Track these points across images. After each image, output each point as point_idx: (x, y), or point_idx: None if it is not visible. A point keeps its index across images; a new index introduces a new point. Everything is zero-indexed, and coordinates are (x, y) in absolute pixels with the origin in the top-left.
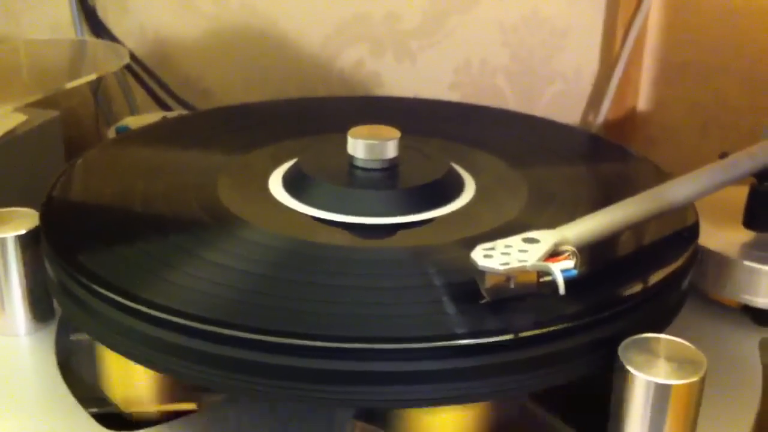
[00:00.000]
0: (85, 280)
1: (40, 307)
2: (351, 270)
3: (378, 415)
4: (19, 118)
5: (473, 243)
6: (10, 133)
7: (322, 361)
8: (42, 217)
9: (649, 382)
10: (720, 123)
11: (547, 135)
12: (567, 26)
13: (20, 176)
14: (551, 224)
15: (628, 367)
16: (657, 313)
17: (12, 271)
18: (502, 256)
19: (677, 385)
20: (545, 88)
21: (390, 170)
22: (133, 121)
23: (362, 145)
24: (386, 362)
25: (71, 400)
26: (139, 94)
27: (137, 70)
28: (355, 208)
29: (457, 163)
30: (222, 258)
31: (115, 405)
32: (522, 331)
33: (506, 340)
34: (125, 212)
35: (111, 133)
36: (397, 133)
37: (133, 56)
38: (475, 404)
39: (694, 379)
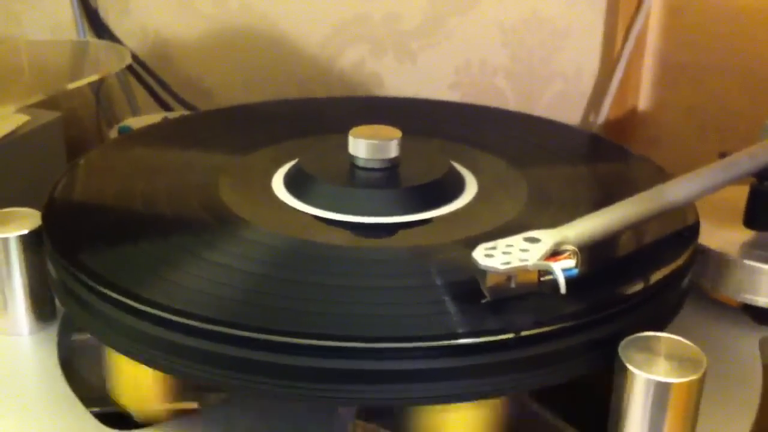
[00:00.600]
0: (87, 279)
1: (42, 307)
2: (352, 269)
3: (382, 414)
4: (21, 119)
5: (474, 242)
6: (12, 133)
7: (324, 360)
8: (44, 217)
9: (649, 381)
10: (719, 123)
11: (548, 135)
12: (567, 27)
13: (22, 176)
14: (552, 224)
15: (628, 366)
16: (657, 312)
17: (14, 270)
18: (503, 256)
19: (677, 384)
20: (545, 89)
21: (391, 170)
22: (135, 122)
23: (363, 145)
24: (387, 361)
25: (73, 399)
26: (141, 94)
27: (139, 70)
28: (356, 208)
29: (458, 162)
30: (223, 258)
31: (120, 406)
32: (523, 330)
33: (507, 339)
34: (127, 212)
35: (114, 134)
36: (398, 133)
37: (134, 57)
38: (482, 403)
39: (694, 377)
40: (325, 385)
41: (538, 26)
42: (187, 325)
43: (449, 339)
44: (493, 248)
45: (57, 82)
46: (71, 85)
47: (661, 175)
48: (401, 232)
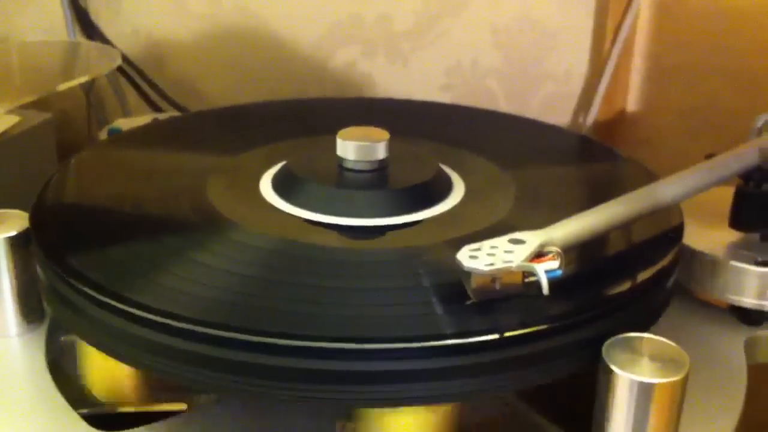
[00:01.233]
0: (74, 281)
1: (30, 309)
2: (340, 271)
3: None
4: (12, 120)
5: (461, 244)
6: (3, 134)
7: (310, 361)
8: (32, 219)
9: (632, 381)
10: (709, 124)
11: (536, 136)
12: (557, 28)
13: (13, 178)
14: (539, 225)
15: (612, 366)
16: (642, 312)
17: (2, 272)
18: (487, 257)
19: (660, 384)
20: (536, 90)
21: (379, 171)
22: (125, 123)
23: (351, 147)
24: (372, 362)
25: (61, 401)
26: (132, 96)
27: (130, 72)
28: (344, 210)
29: (447, 164)
30: (212, 260)
31: (98, 398)
32: (507, 331)
33: (492, 340)
34: (115, 214)
35: (103, 135)
36: (386, 135)
37: (125, 58)
38: (434, 408)
39: (677, 377)
40: (311, 386)
41: (529, 28)
42: (175, 327)
43: (433, 340)
44: (478, 249)
45: (48, 83)
46: (62, 87)
47: (648, 177)
48: (389, 234)
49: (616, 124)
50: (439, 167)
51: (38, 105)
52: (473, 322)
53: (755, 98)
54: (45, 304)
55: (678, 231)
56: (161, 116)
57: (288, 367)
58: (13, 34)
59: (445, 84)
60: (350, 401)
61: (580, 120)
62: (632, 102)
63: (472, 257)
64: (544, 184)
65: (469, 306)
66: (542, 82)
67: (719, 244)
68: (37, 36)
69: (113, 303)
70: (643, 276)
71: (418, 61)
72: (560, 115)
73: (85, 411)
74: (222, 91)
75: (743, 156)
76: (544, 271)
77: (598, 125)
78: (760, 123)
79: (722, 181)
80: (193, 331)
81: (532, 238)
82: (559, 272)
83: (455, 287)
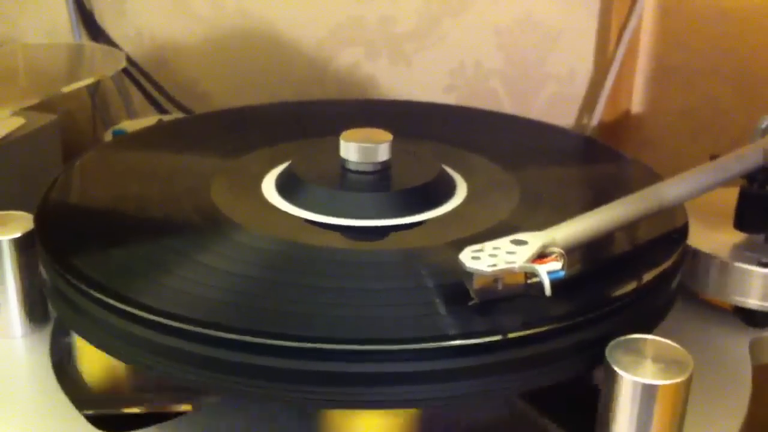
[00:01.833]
0: (78, 282)
1: (35, 309)
2: (342, 272)
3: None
4: (17, 122)
5: (464, 245)
6: (8, 136)
7: (312, 363)
8: (36, 220)
9: (635, 383)
10: (712, 125)
11: (539, 137)
12: (561, 29)
13: (18, 180)
14: (542, 226)
15: (615, 368)
16: (646, 314)
17: (7, 273)
18: (489, 258)
19: (664, 386)
20: (539, 91)
21: (382, 173)
22: (129, 125)
23: (354, 148)
24: (375, 363)
25: (66, 402)
26: (137, 97)
27: (134, 73)
28: (347, 211)
29: (450, 165)
30: (215, 261)
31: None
32: (510, 332)
33: (494, 341)
34: (119, 215)
35: (107, 137)
36: (388, 136)
37: (130, 60)
38: (395, 411)
39: (681, 379)
40: (312, 387)
41: (532, 29)
42: (178, 328)
43: (436, 341)
44: (480, 250)
45: (53, 85)
46: (67, 88)
47: (652, 178)
48: (392, 235)
49: (620, 124)
50: (442, 168)
51: (43, 107)
52: (475, 324)
53: (757, 100)
54: (49, 305)
55: (682, 232)
56: (166, 118)
57: (290, 369)
58: (18, 37)
59: (449, 85)
60: (354, 403)
61: (584, 121)
62: (636, 103)
63: (474, 258)
64: (547, 185)
65: (472, 307)
66: (546, 83)
67: (724, 245)
68: (42, 38)
69: (117, 304)
70: (646, 277)
71: (421, 62)
72: (564, 116)
73: (89, 412)
74: (225, 92)
75: (747, 157)
76: (547, 272)
77: (602, 126)
78: (764, 124)
79: (726, 182)
80: (195, 332)
81: (535, 239)
82: (562, 273)
83: (456, 288)
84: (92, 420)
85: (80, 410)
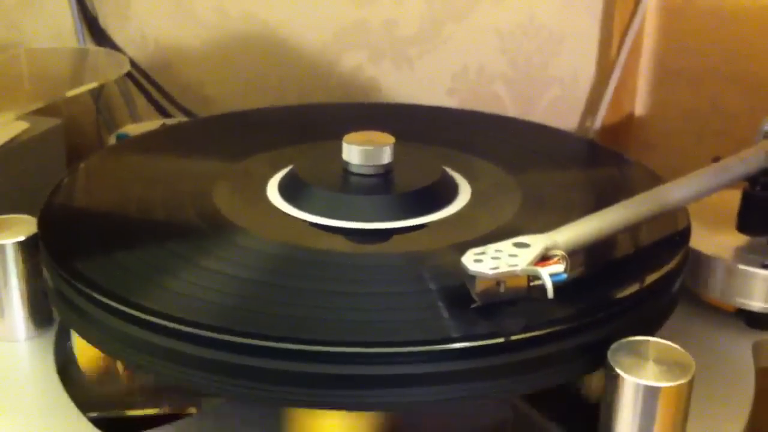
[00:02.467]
0: (82, 286)
1: (39, 313)
2: (346, 274)
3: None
4: (22, 126)
5: (467, 248)
6: (12, 140)
7: (316, 366)
8: (40, 224)
9: (638, 385)
10: (716, 128)
11: (542, 140)
12: (563, 32)
13: (23, 183)
14: (545, 229)
15: (617, 370)
16: (648, 316)
17: (11, 277)
18: (492, 261)
19: (666, 388)
20: (542, 94)
21: (384, 176)
22: (133, 129)
23: (357, 151)
24: (378, 366)
25: (70, 405)
26: (141, 101)
27: (138, 77)
28: (350, 214)
29: (453, 168)
30: (218, 265)
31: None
32: (512, 335)
33: (497, 344)
34: (123, 219)
35: (111, 141)
36: (391, 139)
37: (134, 64)
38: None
39: (683, 381)
40: (316, 390)
41: (535, 32)
42: (181, 331)
43: (438, 344)
44: (482, 253)
45: (57, 90)
46: (71, 93)
47: (655, 180)
48: (394, 238)
49: (623, 127)
50: (445, 171)
51: (47, 111)
52: (478, 326)
53: (761, 102)
54: (53, 308)
55: (685, 234)
56: (169, 122)
57: (294, 372)
58: (22, 41)
59: (451, 88)
60: (357, 405)
61: (587, 124)
62: (639, 105)
63: (476, 261)
64: (550, 188)
65: (474, 310)
66: (549, 87)
67: (726, 247)
68: (46, 42)
69: (120, 307)
70: (649, 279)
71: (424, 65)
72: (567, 119)
73: (94, 415)
74: (229, 96)
75: (750, 159)
76: (549, 274)
77: (605, 129)
78: (766, 126)
79: (728, 185)
80: (199, 336)
81: (537, 242)
82: (564, 276)
83: (459, 291)
84: (97, 423)
85: (85, 413)
